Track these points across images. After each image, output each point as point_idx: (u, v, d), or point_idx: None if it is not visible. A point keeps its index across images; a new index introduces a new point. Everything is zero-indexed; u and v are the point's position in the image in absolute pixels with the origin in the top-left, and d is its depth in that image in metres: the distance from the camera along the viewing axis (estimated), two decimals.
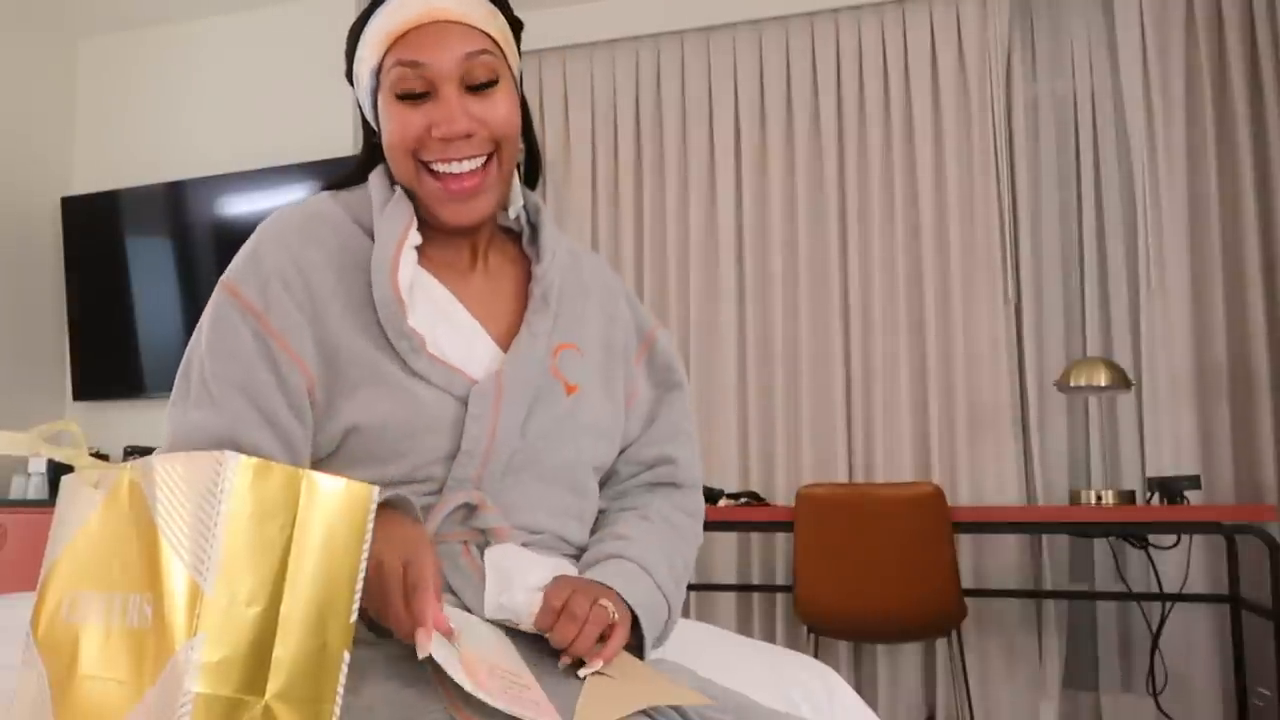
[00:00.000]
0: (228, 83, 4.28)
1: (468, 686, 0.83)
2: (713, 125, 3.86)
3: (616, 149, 3.98)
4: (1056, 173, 3.61)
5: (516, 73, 1.12)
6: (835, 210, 3.70)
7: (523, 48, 1.16)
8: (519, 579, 0.99)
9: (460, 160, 1.04)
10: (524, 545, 1.04)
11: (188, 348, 1.07)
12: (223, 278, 1.06)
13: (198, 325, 1.07)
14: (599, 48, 4.00)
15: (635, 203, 3.94)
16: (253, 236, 1.08)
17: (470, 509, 1.02)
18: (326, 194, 1.13)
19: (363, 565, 0.76)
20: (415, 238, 1.07)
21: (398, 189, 1.09)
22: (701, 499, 1.23)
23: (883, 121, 3.68)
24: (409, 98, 1.04)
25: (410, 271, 1.05)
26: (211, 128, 4.28)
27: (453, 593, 1.00)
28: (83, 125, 4.52)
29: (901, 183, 3.64)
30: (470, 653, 0.89)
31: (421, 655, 0.84)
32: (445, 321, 1.06)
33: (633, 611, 1.02)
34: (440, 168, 1.05)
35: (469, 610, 0.99)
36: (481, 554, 1.02)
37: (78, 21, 4.40)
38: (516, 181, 1.15)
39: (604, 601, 0.97)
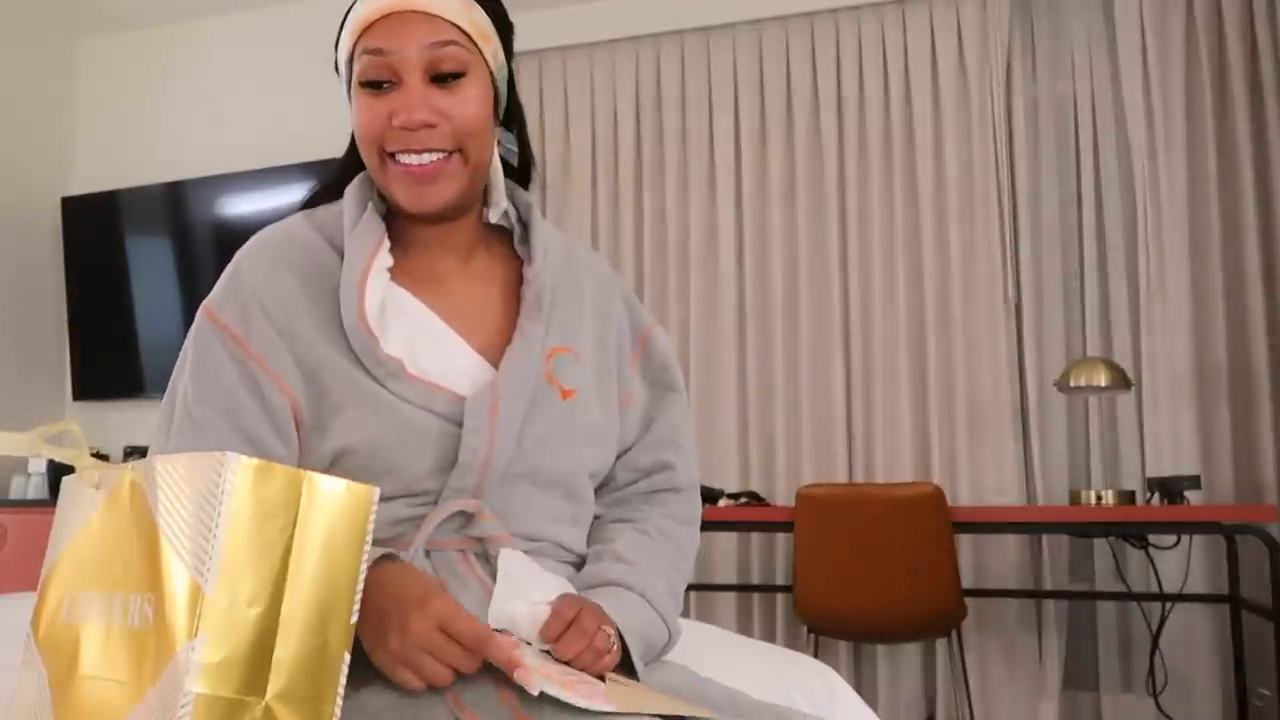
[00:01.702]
0: (228, 83, 4.29)
1: (586, 704, 0.84)
2: (713, 125, 3.86)
3: (616, 149, 3.98)
4: (1056, 173, 3.60)
5: (495, 67, 1.09)
6: (835, 210, 3.69)
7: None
8: (524, 590, 0.99)
9: (421, 152, 1.03)
10: (523, 552, 1.03)
11: (173, 374, 1.07)
12: (204, 302, 1.07)
13: (181, 351, 1.07)
14: (599, 48, 4.00)
15: (635, 203, 3.94)
16: (232, 261, 1.09)
17: (467, 516, 1.01)
18: (301, 215, 1.13)
19: (363, 566, 0.76)
20: (385, 259, 1.07)
21: (369, 206, 1.09)
22: (699, 501, 1.23)
23: (883, 121, 3.68)
24: (373, 85, 1.04)
25: (380, 293, 1.05)
26: (211, 128, 4.28)
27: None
28: (83, 125, 4.52)
29: (901, 183, 3.64)
30: (533, 663, 0.89)
31: (535, 692, 0.84)
32: (423, 337, 1.06)
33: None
34: (403, 158, 1.04)
35: None
36: (479, 561, 1.01)
37: (78, 21, 4.40)
38: (500, 180, 1.13)
39: (608, 629, 0.97)
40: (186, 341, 1.07)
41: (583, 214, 3.96)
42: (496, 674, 0.89)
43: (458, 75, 1.04)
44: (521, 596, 0.98)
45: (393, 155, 1.04)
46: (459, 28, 1.04)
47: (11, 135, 4.23)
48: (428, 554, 1.00)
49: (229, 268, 1.08)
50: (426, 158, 1.03)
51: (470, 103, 1.05)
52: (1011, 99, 3.57)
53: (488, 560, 1.01)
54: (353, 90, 1.07)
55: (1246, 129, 3.32)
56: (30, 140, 4.32)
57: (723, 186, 3.82)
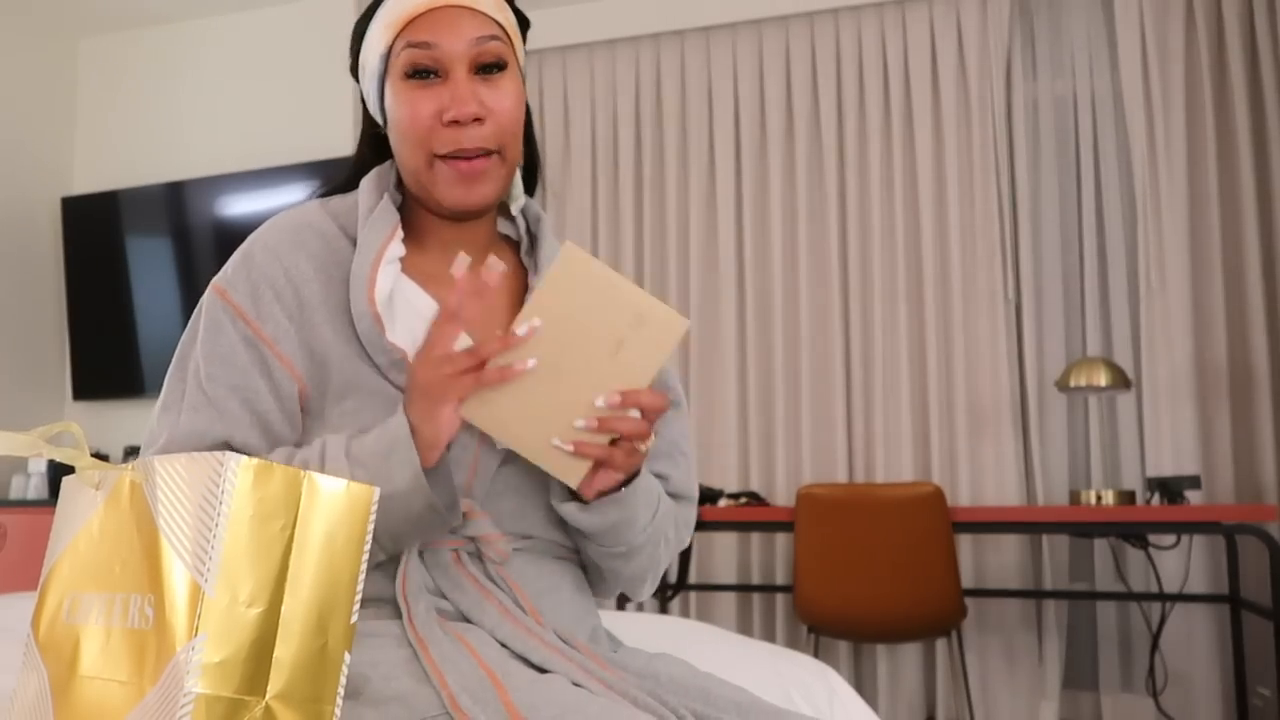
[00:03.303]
0: (228, 83, 4.28)
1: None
2: (713, 125, 3.87)
3: (616, 148, 3.98)
4: (1056, 173, 3.61)
5: (523, 67, 1.12)
6: (835, 210, 3.70)
7: (523, 48, 1.16)
8: None
9: (469, 147, 1.04)
10: (516, 550, 1.03)
11: (177, 350, 1.07)
12: (215, 280, 1.07)
13: (189, 326, 1.07)
14: (599, 48, 4.01)
15: (635, 203, 3.94)
16: (245, 242, 1.09)
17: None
18: (317, 202, 1.13)
19: (363, 567, 0.76)
20: (398, 249, 1.07)
21: (385, 197, 1.09)
22: (693, 513, 1.23)
23: (883, 121, 3.68)
24: (419, 75, 1.04)
25: (390, 283, 1.05)
26: (211, 128, 4.28)
27: (444, 597, 0.99)
28: (83, 125, 4.52)
29: (901, 183, 3.64)
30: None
31: (523, 331, 0.92)
32: (426, 330, 1.05)
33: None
34: (452, 159, 1.04)
35: (468, 619, 0.98)
36: (472, 561, 1.01)
37: (78, 21, 4.40)
38: (518, 179, 1.15)
39: (642, 447, 0.98)
40: (194, 316, 1.07)
41: (583, 214, 3.96)
42: (496, 676, 0.88)
43: (501, 66, 1.06)
44: None
45: (441, 157, 1.05)
46: (497, 22, 1.06)
47: (11, 135, 4.23)
48: (421, 554, 1.00)
49: (242, 249, 1.08)
50: (475, 153, 1.04)
51: (509, 97, 1.06)
52: (1011, 99, 3.57)
53: (480, 560, 1.01)
54: (391, 83, 1.07)
55: (1246, 129, 3.32)
56: (30, 140, 4.32)
57: (722, 186, 3.82)
